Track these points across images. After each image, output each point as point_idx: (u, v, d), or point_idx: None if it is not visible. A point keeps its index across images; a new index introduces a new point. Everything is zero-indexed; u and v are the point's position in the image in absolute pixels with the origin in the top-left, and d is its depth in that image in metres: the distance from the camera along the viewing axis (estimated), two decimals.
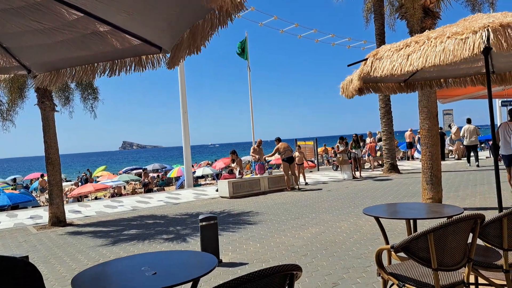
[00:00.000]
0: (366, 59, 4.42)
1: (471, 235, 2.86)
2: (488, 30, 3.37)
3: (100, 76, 3.25)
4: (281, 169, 14.23)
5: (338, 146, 15.81)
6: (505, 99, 22.48)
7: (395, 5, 14.99)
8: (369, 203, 9.50)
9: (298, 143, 20.60)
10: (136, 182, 24.99)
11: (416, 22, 8.57)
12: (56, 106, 10.09)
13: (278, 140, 13.65)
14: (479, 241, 3.18)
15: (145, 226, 8.64)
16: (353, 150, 16.01)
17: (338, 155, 15.85)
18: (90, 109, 11.21)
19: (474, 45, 3.38)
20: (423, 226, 6.08)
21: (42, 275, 1.69)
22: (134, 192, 20.78)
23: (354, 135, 16.73)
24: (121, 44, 3.03)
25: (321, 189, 12.93)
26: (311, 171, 20.74)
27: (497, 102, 25.66)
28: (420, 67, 3.77)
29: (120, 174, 31.13)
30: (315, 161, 22.14)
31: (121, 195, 18.51)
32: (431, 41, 3.76)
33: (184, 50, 2.80)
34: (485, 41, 3.33)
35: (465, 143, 16.68)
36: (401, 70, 3.94)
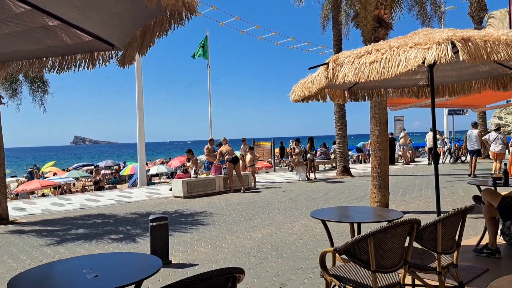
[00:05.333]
0: (327, 63, 4.48)
1: (408, 238, 3.03)
2: (452, 42, 3.56)
3: (49, 72, 3.15)
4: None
5: (293, 148, 16.08)
6: (451, 109, 23.91)
7: (350, 14, 15.49)
8: (321, 204, 9.75)
9: (256, 143, 20.74)
10: (87, 179, 24.19)
11: (369, 32, 8.90)
12: (3, 98, 9.59)
13: (220, 144, 14.35)
14: (417, 245, 3.38)
15: (93, 226, 8.39)
16: (310, 152, 16.34)
17: (293, 157, 16.12)
18: (40, 102, 10.76)
19: (440, 54, 3.54)
20: (368, 229, 6.34)
21: None
22: (84, 190, 20.11)
23: (309, 137, 17.08)
24: (71, 40, 2.95)
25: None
26: (267, 172, 20.95)
27: (444, 111, 27.13)
28: (387, 75, 3.83)
29: (70, 170, 29.94)
30: (272, 161, 22.37)
31: (70, 192, 17.86)
32: (394, 50, 3.89)
33: (136, 48, 2.78)
34: (450, 52, 3.50)
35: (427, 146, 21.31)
36: (365, 78, 3.99)
